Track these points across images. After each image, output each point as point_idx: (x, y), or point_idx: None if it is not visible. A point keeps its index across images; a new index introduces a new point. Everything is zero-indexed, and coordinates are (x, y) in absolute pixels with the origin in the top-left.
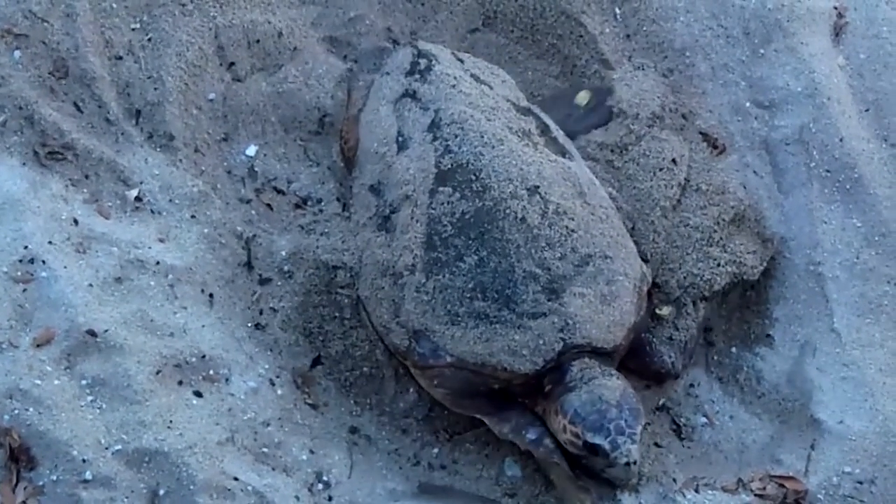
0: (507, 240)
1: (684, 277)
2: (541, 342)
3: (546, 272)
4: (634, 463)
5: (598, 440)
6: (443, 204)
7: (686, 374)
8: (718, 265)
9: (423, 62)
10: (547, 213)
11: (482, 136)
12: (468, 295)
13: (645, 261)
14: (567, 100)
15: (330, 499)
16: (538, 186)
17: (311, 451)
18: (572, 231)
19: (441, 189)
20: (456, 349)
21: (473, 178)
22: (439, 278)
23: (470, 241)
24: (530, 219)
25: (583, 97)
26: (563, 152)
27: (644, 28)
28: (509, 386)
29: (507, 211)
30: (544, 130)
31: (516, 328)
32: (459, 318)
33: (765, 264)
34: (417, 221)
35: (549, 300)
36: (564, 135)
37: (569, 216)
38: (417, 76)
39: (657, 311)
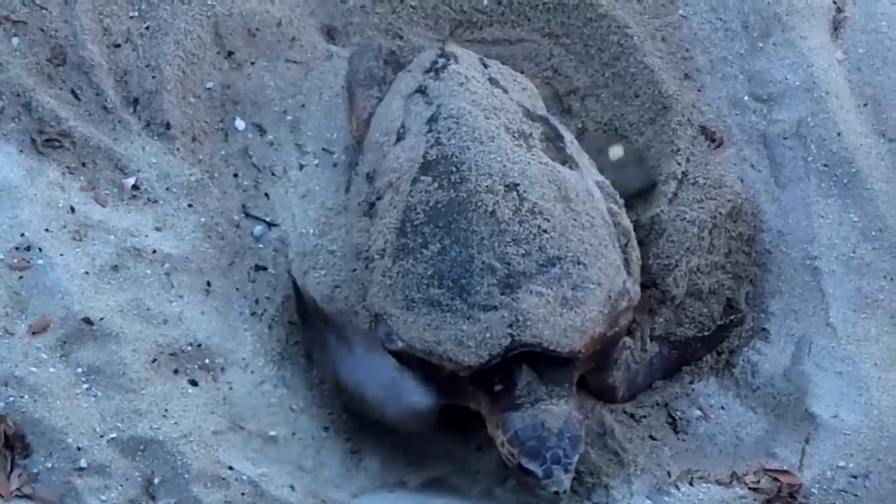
0: (472, 231)
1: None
2: (488, 335)
3: (505, 266)
4: (564, 492)
5: (532, 467)
6: (421, 192)
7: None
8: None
9: (441, 61)
10: (520, 211)
11: (473, 132)
12: (425, 282)
13: (644, 287)
14: (598, 146)
15: (330, 481)
16: (517, 184)
17: (307, 441)
18: (544, 231)
19: (422, 178)
20: (406, 334)
21: (454, 169)
22: (403, 263)
23: (437, 230)
24: (500, 213)
25: (616, 151)
26: (565, 160)
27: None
28: (459, 379)
29: (479, 204)
30: (550, 137)
31: (466, 318)
32: (414, 304)
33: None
34: (395, 208)
35: (502, 294)
36: (579, 148)
37: (544, 217)
38: (433, 74)
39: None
